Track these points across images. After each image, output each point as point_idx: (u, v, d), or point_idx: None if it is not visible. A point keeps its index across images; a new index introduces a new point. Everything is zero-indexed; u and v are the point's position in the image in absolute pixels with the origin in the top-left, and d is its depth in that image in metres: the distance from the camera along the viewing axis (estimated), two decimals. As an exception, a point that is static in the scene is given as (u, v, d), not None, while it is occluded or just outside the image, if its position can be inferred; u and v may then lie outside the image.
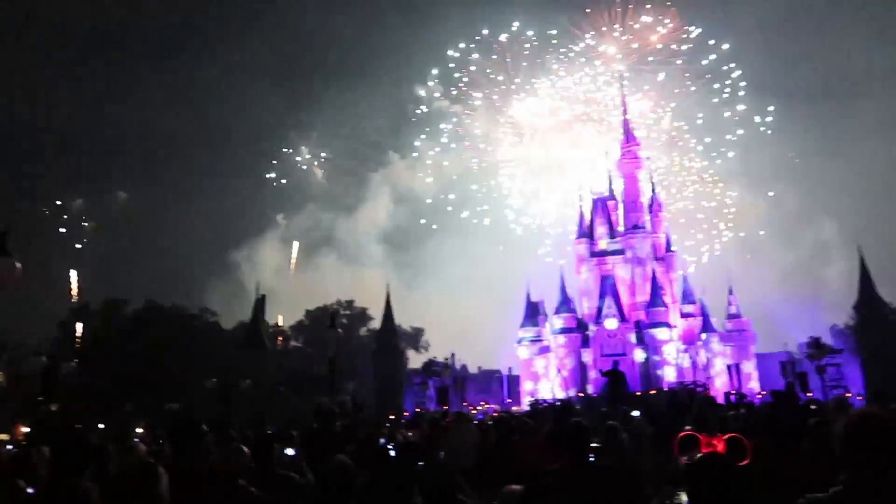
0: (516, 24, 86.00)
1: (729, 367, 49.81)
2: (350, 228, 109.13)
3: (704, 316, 65.41)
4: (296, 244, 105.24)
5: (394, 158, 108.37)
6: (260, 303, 49.84)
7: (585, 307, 66.51)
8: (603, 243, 67.67)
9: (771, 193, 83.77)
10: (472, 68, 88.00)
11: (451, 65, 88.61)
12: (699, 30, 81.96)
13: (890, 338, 47.22)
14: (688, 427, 7.83)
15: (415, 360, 67.32)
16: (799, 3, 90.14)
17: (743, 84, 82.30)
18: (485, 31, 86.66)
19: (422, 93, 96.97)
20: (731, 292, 67.17)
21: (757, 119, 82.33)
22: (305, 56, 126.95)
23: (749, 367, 61.66)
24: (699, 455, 3.66)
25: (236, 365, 46.79)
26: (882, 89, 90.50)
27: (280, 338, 74.93)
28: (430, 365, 52.91)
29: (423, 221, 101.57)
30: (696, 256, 76.01)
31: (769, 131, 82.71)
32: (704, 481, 3.42)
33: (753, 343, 65.11)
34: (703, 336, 63.53)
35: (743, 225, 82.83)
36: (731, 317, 65.79)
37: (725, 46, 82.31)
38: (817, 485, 3.21)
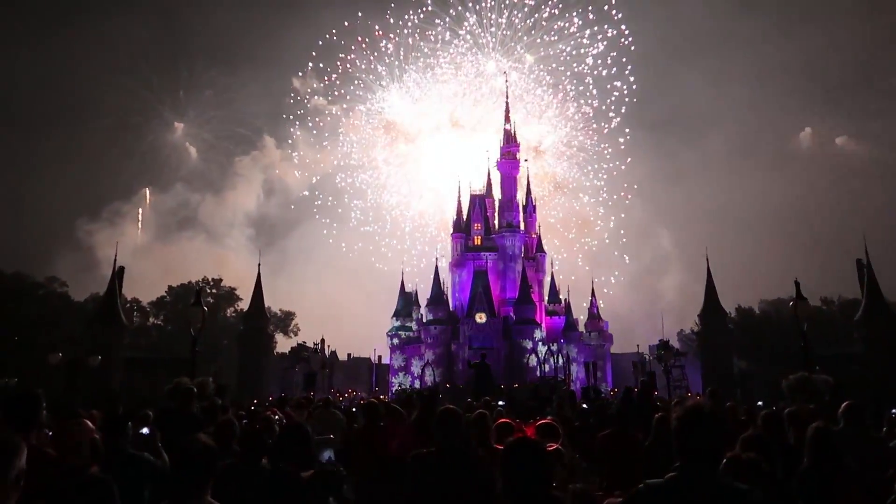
0: (402, 15, 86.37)
1: (587, 364, 52.56)
2: (219, 211, 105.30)
3: (568, 315, 68.82)
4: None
5: (269, 144, 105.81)
6: (117, 276, 46.54)
7: (457, 301, 68.08)
8: (477, 240, 69.36)
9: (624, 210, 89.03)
10: (352, 57, 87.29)
11: (321, 65, 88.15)
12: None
13: (728, 343, 51.81)
14: (548, 418, 8.20)
15: (283, 344, 65.84)
16: (652, 47, 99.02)
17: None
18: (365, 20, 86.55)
19: (297, 84, 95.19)
20: (592, 294, 71.22)
21: (621, 140, 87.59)
22: (188, 38, 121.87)
23: (605, 365, 65.69)
24: (510, 440, 3.99)
25: (87, 339, 43.55)
26: (725, 124, 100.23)
27: (137, 313, 70.63)
28: (299, 350, 51.84)
29: (293, 208, 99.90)
30: (562, 257, 79.48)
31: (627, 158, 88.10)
32: (512, 463, 3.71)
33: (610, 343, 69.40)
34: (566, 334, 66.83)
35: (596, 234, 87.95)
36: (591, 318, 69.73)
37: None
38: (658, 472, 3.50)
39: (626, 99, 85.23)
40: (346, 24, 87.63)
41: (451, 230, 71.57)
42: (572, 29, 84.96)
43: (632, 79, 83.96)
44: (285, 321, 75.52)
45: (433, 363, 62.71)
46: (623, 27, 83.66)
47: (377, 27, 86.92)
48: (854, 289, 50.68)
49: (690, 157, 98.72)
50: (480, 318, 63.46)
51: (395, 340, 68.10)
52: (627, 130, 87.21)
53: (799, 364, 15.62)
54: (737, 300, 65.27)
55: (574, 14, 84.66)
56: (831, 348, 45.53)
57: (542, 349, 62.29)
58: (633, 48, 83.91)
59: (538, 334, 63.89)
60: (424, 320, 66.90)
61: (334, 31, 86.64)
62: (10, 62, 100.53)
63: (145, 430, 6.45)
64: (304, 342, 53.74)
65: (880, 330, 43.10)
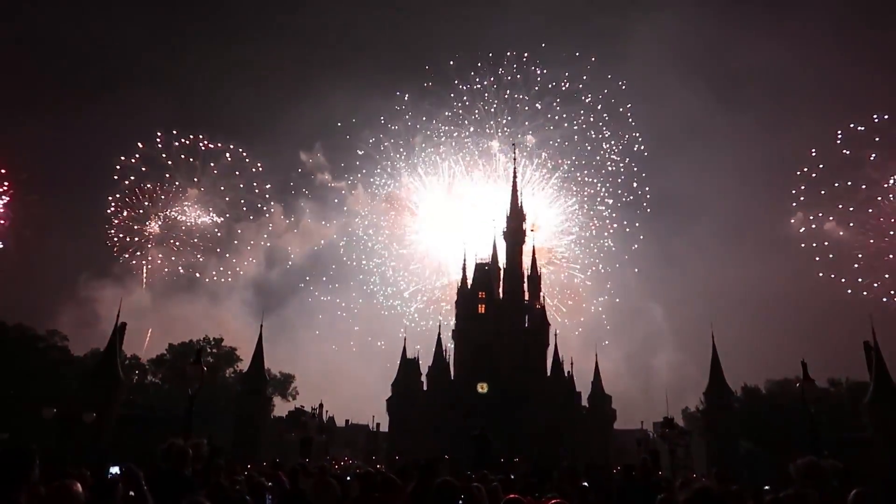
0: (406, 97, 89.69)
1: (590, 439, 51.48)
2: (223, 274, 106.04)
3: (572, 388, 67.71)
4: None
5: (276, 212, 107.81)
6: (118, 332, 46.35)
7: (459, 369, 67.23)
8: (481, 308, 69.14)
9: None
10: (359, 134, 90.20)
11: (328, 140, 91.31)
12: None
13: (733, 423, 50.74)
14: (549, 495, 7.98)
15: (281, 407, 64.84)
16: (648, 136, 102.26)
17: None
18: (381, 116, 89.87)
19: (304, 157, 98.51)
20: (596, 368, 70.23)
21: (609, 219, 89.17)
22: (205, 110, 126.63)
23: (608, 441, 64.10)
24: None
25: (84, 394, 42.98)
26: (717, 208, 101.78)
27: (136, 371, 69.93)
28: (297, 414, 50.98)
29: (295, 274, 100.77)
30: (558, 331, 79.46)
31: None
32: None
33: (614, 419, 67.98)
34: (570, 407, 65.57)
35: (586, 311, 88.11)
36: (594, 392, 68.54)
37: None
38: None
39: (621, 180, 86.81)
40: (354, 104, 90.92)
41: (456, 298, 71.45)
42: (574, 117, 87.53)
43: (628, 161, 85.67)
44: (284, 384, 74.57)
45: (432, 433, 61.44)
46: (630, 119, 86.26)
47: (383, 109, 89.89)
48: (862, 371, 49.94)
49: (683, 241, 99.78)
50: (482, 388, 62.60)
51: (395, 407, 67.00)
52: (618, 212, 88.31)
53: (806, 447, 15.27)
54: (739, 380, 64.38)
55: (578, 103, 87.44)
56: (839, 431, 44.52)
57: (544, 422, 61.03)
58: (638, 138, 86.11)
59: (541, 406, 62.78)
60: (425, 388, 65.98)
61: (342, 109, 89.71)
62: (37, 127, 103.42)
63: (115, 470, 6.30)
64: (303, 406, 52.93)
65: (889, 414, 42.20)
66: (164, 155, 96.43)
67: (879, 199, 72.19)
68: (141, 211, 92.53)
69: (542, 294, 73.32)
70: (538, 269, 74.26)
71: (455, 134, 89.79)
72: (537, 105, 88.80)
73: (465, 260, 72.90)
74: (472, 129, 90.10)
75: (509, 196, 75.07)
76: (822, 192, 75.57)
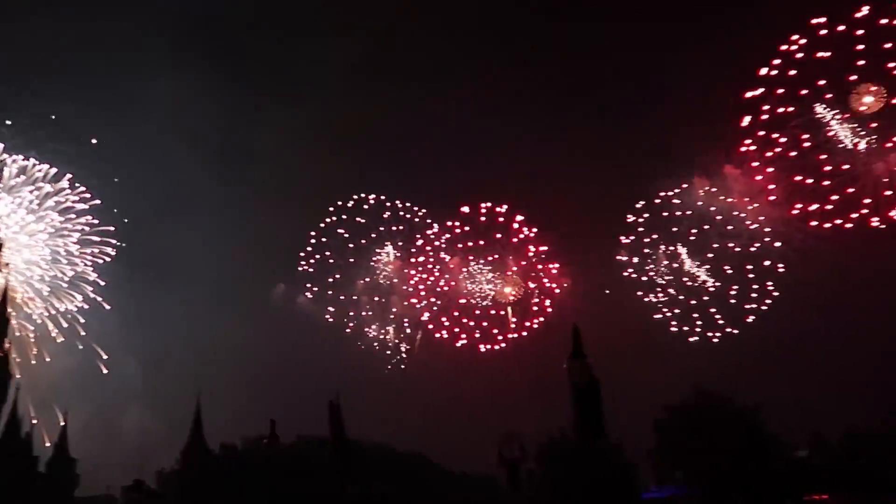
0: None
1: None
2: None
3: (28, 452, 58.42)
4: None
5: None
6: None
7: None
8: None
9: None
10: None
11: None
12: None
13: (214, 482, 51.30)
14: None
15: None
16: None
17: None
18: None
19: None
20: (64, 429, 62.21)
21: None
22: None
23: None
24: None
25: None
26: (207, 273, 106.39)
27: None
28: None
29: None
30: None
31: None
32: None
33: (77, 484, 60.89)
34: (25, 473, 56.33)
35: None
36: (55, 455, 60.28)
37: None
38: None
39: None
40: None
41: None
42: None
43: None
44: None
45: None
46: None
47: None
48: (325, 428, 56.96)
49: (172, 301, 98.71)
50: None
51: None
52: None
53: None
54: (220, 438, 65.64)
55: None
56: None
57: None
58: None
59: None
60: None
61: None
62: None
63: None
64: None
65: (343, 465, 49.27)
66: None
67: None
68: None
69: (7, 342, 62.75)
70: (7, 313, 63.64)
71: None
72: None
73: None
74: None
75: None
76: (303, 269, 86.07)
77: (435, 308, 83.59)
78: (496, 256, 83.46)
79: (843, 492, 52.79)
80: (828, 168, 67.96)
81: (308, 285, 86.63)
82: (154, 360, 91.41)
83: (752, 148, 70.64)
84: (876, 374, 65.39)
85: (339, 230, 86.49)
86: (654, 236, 78.39)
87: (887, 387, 59.90)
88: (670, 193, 77.54)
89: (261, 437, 63.19)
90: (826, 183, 68.15)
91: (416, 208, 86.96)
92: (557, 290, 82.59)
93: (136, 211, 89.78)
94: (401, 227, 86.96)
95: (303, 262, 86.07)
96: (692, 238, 77.52)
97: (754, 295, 74.59)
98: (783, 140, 69.31)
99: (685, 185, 77.34)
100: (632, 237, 78.98)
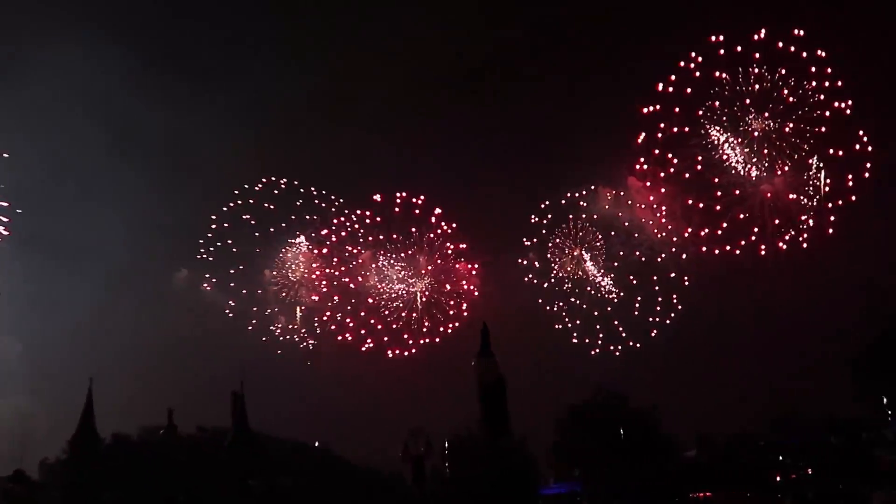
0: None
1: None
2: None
3: None
4: None
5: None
6: None
7: None
8: None
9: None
10: None
11: None
12: None
13: (104, 473, 48.77)
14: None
15: None
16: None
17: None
18: None
19: None
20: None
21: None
22: None
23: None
24: None
25: None
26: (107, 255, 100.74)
27: None
28: None
29: None
30: None
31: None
32: None
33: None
34: None
35: None
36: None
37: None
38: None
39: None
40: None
41: None
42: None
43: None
44: None
45: None
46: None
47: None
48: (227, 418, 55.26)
49: (67, 285, 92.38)
50: None
51: None
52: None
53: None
54: (113, 428, 62.38)
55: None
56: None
57: None
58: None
59: None
60: None
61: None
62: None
63: None
64: None
65: (245, 457, 48.01)
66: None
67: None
68: None
69: None
70: None
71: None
72: None
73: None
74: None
75: None
76: (205, 255, 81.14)
77: (340, 307, 79.35)
78: (410, 252, 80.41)
79: (726, 490, 56.36)
80: (719, 193, 71.41)
81: (207, 275, 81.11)
82: (41, 344, 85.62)
83: (646, 167, 73.08)
84: (762, 383, 70.19)
85: (245, 216, 79.89)
86: (558, 240, 78.38)
87: (774, 395, 64.56)
88: (577, 196, 78.01)
89: (157, 428, 60.62)
90: (718, 207, 71.60)
91: (332, 196, 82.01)
92: (477, 293, 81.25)
93: (28, 188, 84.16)
94: (315, 217, 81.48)
95: (202, 249, 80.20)
96: (598, 243, 78.26)
97: (658, 308, 76.18)
98: (676, 161, 72.01)
99: (592, 187, 78.35)
100: (534, 239, 78.43)
